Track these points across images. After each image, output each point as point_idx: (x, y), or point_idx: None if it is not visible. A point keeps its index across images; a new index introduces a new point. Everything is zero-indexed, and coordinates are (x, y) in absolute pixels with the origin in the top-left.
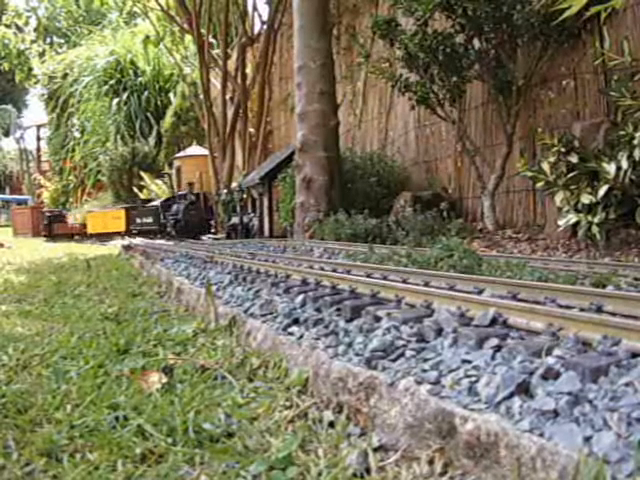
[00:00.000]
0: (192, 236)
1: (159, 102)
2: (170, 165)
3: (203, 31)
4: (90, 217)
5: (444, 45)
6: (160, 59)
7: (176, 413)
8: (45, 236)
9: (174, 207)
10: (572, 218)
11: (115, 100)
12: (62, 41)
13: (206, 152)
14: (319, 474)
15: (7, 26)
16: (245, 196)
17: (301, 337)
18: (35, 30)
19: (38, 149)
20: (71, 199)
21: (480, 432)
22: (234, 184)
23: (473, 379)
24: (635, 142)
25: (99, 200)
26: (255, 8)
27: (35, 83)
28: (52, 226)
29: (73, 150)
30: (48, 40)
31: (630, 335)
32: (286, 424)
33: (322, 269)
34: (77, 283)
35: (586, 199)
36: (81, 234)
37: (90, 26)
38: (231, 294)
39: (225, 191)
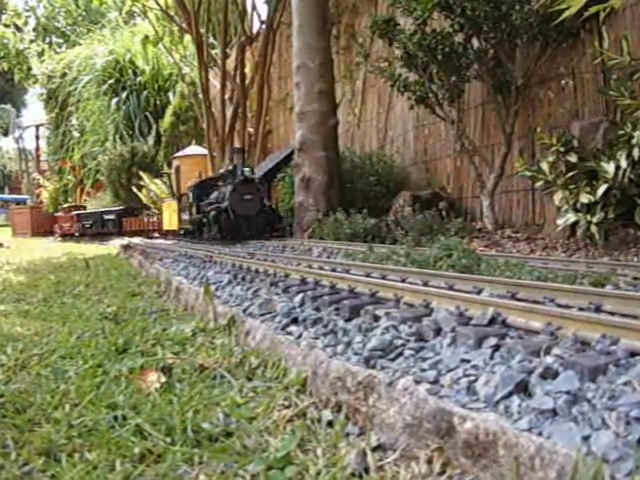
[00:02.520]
0: (248, 237)
1: (158, 101)
2: (169, 165)
3: (202, 31)
4: (165, 208)
5: (443, 45)
6: (159, 59)
7: (175, 412)
8: (111, 234)
9: (214, 193)
10: (571, 217)
11: (114, 99)
12: (61, 41)
13: (205, 152)
14: (318, 474)
15: (6, 26)
16: None
17: (300, 336)
18: (34, 30)
19: (37, 149)
20: (70, 199)
21: (479, 431)
22: None
23: (472, 378)
24: (634, 141)
25: (98, 200)
26: (254, 7)
27: (34, 83)
28: (121, 222)
29: (72, 150)
30: (47, 40)
31: (629, 334)
32: (285, 423)
33: (321, 268)
34: (76, 283)
35: (585, 198)
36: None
37: (89, 26)
38: (230, 293)
39: None
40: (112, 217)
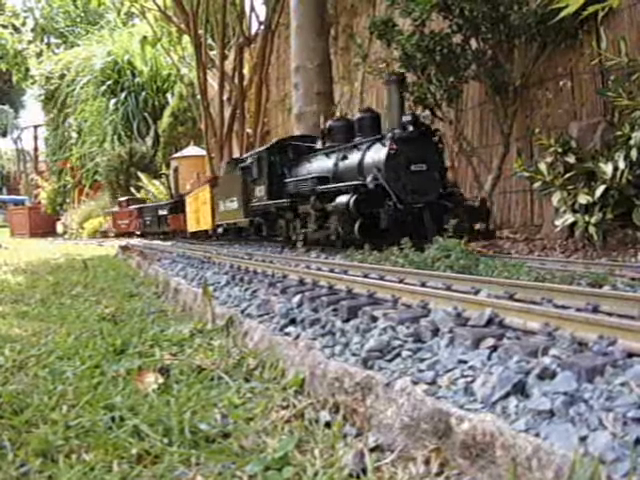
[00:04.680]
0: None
1: (156, 102)
2: (167, 165)
3: (200, 32)
4: (190, 202)
5: (441, 45)
6: (158, 60)
7: (172, 413)
8: (166, 234)
9: (316, 160)
10: (569, 218)
11: (112, 100)
12: (59, 41)
13: (203, 152)
14: (315, 474)
15: (4, 26)
16: None
17: (298, 337)
18: (32, 30)
19: (35, 149)
20: (68, 199)
21: (476, 432)
22: None
23: (469, 379)
24: (632, 142)
25: (96, 200)
26: (252, 8)
27: (32, 84)
28: (167, 219)
29: (70, 150)
30: (45, 40)
31: (626, 335)
32: (282, 424)
33: (319, 269)
34: (74, 284)
35: (583, 199)
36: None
37: (88, 26)
38: (228, 294)
39: None
40: (166, 212)
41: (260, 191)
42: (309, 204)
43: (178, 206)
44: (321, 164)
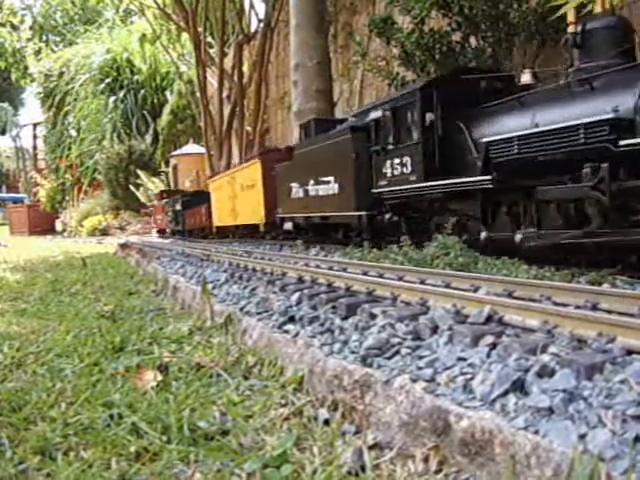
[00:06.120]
0: None
1: (155, 100)
2: (167, 163)
3: (200, 29)
4: (215, 187)
5: (440, 43)
6: (157, 57)
7: (171, 411)
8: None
9: (606, 92)
10: None
11: (111, 98)
12: (58, 39)
13: (203, 150)
14: (314, 472)
15: (2, 25)
16: None
17: (296, 335)
18: (31, 28)
19: (34, 147)
20: (67, 197)
21: (475, 429)
22: None
23: (468, 377)
24: None
25: (95, 198)
26: (252, 6)
27: (31, 81)
28: (184, 215)
29: (69, 148)
30: (44, 38)
31: (625, 332)
32: (281, 422)
33: (318, 267)
34: (73, 281)
35: None
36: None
37: (86, 24)
38: (227, 292)
39: None
40: (179, 208)
41: (399, 166)
42: (571, 181)
43: (201, 197)
44: (581, 106)
